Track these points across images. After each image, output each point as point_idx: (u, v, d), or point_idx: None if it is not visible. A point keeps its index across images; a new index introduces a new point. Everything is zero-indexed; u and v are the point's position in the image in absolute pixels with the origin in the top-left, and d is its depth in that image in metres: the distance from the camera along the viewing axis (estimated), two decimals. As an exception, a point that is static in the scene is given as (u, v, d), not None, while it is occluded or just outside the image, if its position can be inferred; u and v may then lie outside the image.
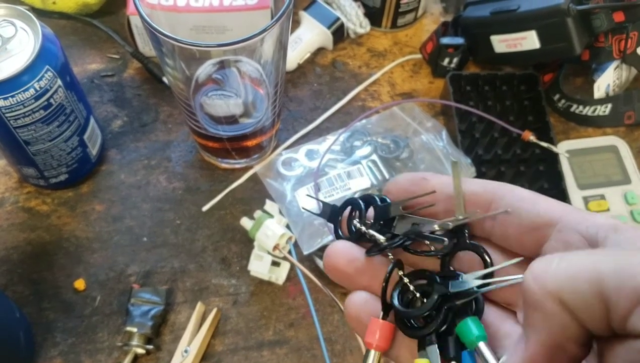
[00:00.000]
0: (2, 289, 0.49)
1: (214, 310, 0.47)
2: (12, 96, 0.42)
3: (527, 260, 0.22)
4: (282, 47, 0.45)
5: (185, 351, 0.45)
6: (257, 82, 0.49)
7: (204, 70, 0.47)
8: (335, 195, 0.52)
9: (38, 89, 0.43)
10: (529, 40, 0.55)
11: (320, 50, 0.63)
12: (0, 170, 0.54)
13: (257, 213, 0.50)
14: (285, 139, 0.57)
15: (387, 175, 0.54)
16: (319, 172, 0.53)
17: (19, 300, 0.48)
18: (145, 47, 0.60)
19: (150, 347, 0.46)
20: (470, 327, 0.23)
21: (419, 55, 0.64)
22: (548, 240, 0.22)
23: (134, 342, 0.46)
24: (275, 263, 0.49)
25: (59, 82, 0.45)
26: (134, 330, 0.46)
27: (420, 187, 0.25)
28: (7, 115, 0.43)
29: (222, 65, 0.47)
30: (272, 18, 0.48)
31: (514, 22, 0.56)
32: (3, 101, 0.42)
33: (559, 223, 0.22)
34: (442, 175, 0.25)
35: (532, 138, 0.55)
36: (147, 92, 0.59)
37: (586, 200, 0.54)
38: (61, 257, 0.51)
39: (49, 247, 0.51)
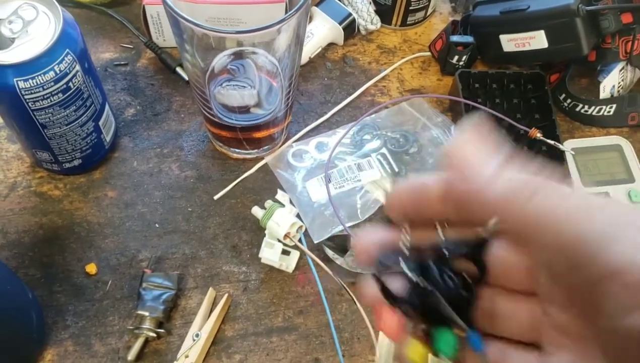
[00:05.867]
0: (14, 271, 0.49)
1: (225, 296, 0.48)
2: (32, 78, 0.43)
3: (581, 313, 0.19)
4: (298, 41, 0.46)
5: (197, 335, 0.46)
6: (272, 74, 0.50)
7: (220, 60, 0.48)
8: (346, 186, 0.53)
9: (58, 71, 0.43)
10: (538, 40, 0.56)
11: (331, 46, 0.64)
12: (13, 155, 0.55)
13: (268, 203, 0.51)
14: (296, 131, 0.58)
15: (396, 169, 0.54)
16: (330, 164, 0.54)
17: (30, 282, 0.49)
18: (159, 37, 0.60)
19: (162, 330, 0.46)
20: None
21: (427, 53, 0.65)
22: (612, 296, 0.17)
23: (146, 325, 0.46)
24: (285, 252, 0.50)
25: (78, 66, 0.45)
26: (146, 314, 0.46)
27: (424, 194, 0.23)
28: (26, 97, 0.43)
29: (238, 56, 0.48)
30: (286, 12, 0.49)
31: (523, 22, 0.57)
32: (23, 83, 0.42)
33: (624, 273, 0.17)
34: (437, 175, 0.23)
35: (539, 135, 0.56)
36: (160, 82, 0.60)
37: (591, 197, 0.55)
38: (73, 242, 0.51)
39: (61, 231, 0.52)
